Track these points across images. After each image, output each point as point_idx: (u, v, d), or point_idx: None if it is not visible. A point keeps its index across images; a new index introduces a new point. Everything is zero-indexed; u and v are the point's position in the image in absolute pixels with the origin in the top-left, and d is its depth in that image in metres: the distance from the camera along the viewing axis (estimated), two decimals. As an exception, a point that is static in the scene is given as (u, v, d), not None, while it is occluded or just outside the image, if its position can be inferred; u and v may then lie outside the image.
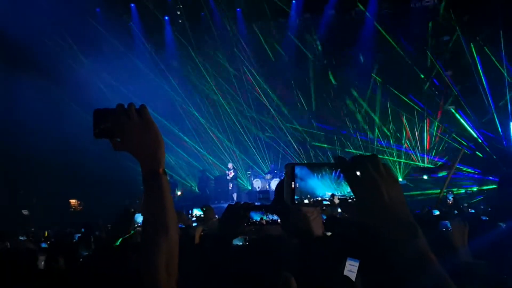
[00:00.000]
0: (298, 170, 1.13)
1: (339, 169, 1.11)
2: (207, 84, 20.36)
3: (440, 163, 17.78)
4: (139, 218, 3.07)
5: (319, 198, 1.11)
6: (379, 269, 2.13)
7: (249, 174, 19.25)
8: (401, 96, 18.36)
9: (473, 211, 9.06)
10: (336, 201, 1.11)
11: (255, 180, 18.24)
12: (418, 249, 1.00)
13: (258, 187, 17.69)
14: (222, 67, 20.21)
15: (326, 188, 1.11)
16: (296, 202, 1.12)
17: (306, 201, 1.12)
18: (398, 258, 1.00)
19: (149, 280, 1.22)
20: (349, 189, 1.09)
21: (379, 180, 1.03)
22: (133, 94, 15.90)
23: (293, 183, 1.12)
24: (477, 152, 16.71)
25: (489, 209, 9.66)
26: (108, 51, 17.48)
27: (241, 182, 19.36)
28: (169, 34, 20.37)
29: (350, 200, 1.09)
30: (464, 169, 16.02)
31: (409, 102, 18.43)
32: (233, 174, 17.73)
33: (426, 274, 0.98)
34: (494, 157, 16.38)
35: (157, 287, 1.22)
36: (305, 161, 17.79)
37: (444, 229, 4.17)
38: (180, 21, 20.42)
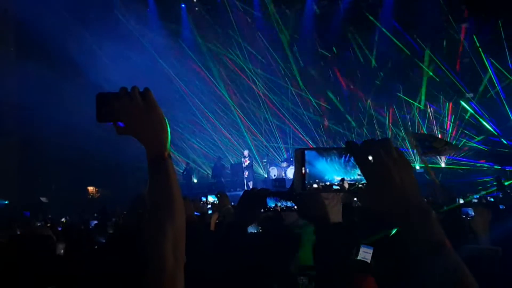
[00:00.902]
0: (308, 155, 1.10)
1: (348, 154, 1.08)
2: (224, 70, 20.37)
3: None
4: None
5: (328, 183, 1.09)
6: (392, 256, 2.10)
7: (265, 162, 19.23)
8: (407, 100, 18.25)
9: (492, 199, 8.95)
10: (346, 185, 1.08)
11: (271, 168, 18.22)
12: (432, 234, 0.97)
13: (274, 175, 17.67)
14: (239, 53, 20.17)
15: (335, 172, 1.08)
16: (307, 187, 1.09)
17: (315, 185, 1.09)
18: (411, 243, 0.98)
19: (155, 266, 1.21)
20: (358, 174, 1.06)
21: (391, 165, 1.00)
22: (148, 81, 15.94)
23: (303, 168, 1.09)
24: (497, 149, 16.45)
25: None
26: (125, 39, 17.52)
27: (257, 170, 19.36)
28: (186, 22, 20.37)
29: (360, 185, 1.06)
30: (484, 165, 15.77)
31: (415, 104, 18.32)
32: (249, 161, 17.72)
33: (439, 259, 0.95)
34: None
35: (164, 273, 1.20)
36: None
37: (464, 216, 4.13)
38: (196, 8, 20.41)
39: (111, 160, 14.81)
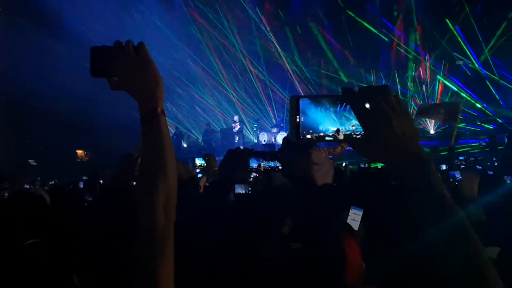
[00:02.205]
0: (301, 104, 1.07)
1: (344, 103, 1.04)
2: (216, 34, 20.18)
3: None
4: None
5: (322, 134, 1.06)
6: (385, 216, 2.11)
7: (255, 127, 19.24)
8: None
9: (480, 167, 9.01)
10: (341, 136, 1.05)
11: (261, 133, 18.26)
12: (433, 184, 0.94)
13: (264, 141, 17.72)
14: (231, 15, 19.96)
15: (330, 123, 1.05)
16: (301, 137, 1.06)
17: (308, 136, 1.06)
18: (411, 195, 0.95)
19: (146, 223, 1.20)
20: (354, 124, 1.03)
21: (390, 112, 0.96)
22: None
23: (297, 117, 1.06)
24: (484, 124, 16.66)
25: (496, 164, 9.63)
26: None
27: (247, 135, 19.39)
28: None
29: (359, 136, 1.03)
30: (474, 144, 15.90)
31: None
32: (239, 127, 17.72)
33: (442, 209, 0.93)
34: (499, 120, 16.40)
35: (155, 229, 1.19)
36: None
37: (451, 180, 4.15)
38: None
39: (100, 122, 14.69)
